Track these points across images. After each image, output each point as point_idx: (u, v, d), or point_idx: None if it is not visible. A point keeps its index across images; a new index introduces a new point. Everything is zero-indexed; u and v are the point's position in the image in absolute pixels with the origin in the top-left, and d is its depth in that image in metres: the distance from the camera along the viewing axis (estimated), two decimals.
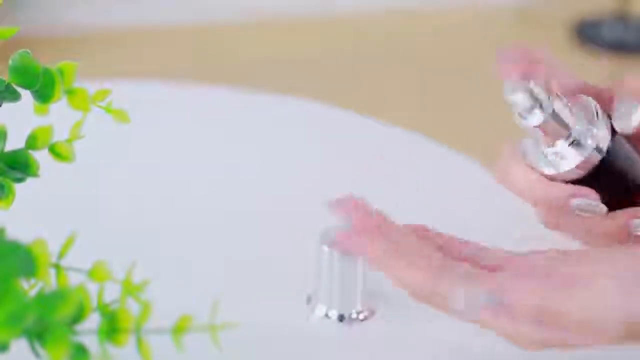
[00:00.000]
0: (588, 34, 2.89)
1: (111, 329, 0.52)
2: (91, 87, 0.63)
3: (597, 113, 0.63)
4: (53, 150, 0.63)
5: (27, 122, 0.63)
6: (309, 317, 0.71)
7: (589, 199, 0.62)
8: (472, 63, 2.76)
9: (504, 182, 0.66)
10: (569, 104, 0.63)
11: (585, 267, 0.58)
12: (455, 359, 0.69)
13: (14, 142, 0.63)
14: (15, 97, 0.61)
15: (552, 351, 0.58)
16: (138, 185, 0.86)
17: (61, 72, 0.61)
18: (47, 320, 0.47)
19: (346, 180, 0.88)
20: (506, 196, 0.77)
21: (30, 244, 0.48)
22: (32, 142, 0.62)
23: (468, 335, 0.67)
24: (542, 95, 0.62)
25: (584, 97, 0.65)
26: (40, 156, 0.63)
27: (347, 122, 0.99)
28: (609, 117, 0.64)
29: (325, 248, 0.69)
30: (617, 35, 2.88)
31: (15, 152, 0.62)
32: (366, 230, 0.59)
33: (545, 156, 0.64)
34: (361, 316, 0.71)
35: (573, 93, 0.65)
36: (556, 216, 0.65)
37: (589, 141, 0.62)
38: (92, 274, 0.57)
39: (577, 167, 0.63)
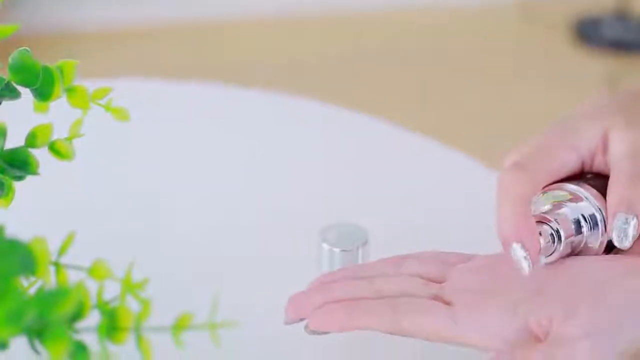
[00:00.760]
0: (588, 32, 2.89)
1: (111, 326, 0.52)
2: (91, 85, 0.63)
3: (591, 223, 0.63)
4: (53, 148, 0.63)
5: (26, 120, 0.63)
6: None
7: (526, 249, 0.60)
8: (473, 61, 2.76)
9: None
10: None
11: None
12: (454, 355, 0.69)
13: (14, 140, 0.63)
14: (14, 95, 0.61)
15: None
16: (138, 183, 0.86)
17: (61, 70, 0.61)
18: (46, 318, 0.47)
19: (346, 179, 0.88)
20: None
21: (30, 242, 0.48)
22: (31, 140, 0.62)
23: None
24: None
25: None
26: (40, 154, 0.63)
27: (347, 120, 0.99)
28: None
29: (325, 246, 0.69)
30: (617, 33, 2.88)
31: (15, 150, 0.62)
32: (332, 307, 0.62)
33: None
34: None
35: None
36: None
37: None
38: (91, 272, 0.57)
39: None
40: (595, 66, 2.74)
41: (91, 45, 2.82)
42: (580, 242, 0.62)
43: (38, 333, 0.49)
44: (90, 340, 0.52)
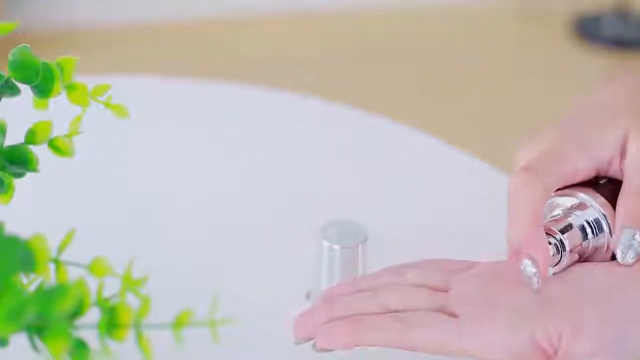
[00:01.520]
0: (588, 30, 2.89)
1: (111, 323, 0.52)
2: (90, 82, 0.62)
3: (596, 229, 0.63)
4: (52, 145, 0.63)
5: (26, 117, 0.63)
6: None
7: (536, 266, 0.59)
8: (473, 58, 2.75)
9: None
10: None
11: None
12: None
13: (14, 137, 0.63)
14: (14, 92, 0.61)
15: None
16: (138, 180, 0.86)
17: (60, 67, 0.61)
18: (46, 315, 0.47)
19: (346, 176, 0.88)
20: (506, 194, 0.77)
21: (30, 239, 0.48)
22: (31, 137, 0.62)
23: None
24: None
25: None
26: (40, 151, 0.63)
27: (347, 118, 0.99)
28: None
29: (325, 243, 0.69)
30: (617, 31, 2.88)
31: (14, 147, 0.62)
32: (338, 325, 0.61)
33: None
34: None
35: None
36: None
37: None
38: (91, 268, 0.57)
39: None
40: (596, 63, 2.74)
41: (91, 44, 2.82)
42: (586, 248, 0.62)
43: (38, 330, 0.49)
44: (90, 337, 0.52)
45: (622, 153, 0.63)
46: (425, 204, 0.83)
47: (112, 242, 0.76)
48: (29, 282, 0.56)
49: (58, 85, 0.60)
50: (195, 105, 1.00)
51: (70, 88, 0.62)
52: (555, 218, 0.62)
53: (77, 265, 0.57)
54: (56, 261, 0.58)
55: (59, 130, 0.63)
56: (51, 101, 0.62)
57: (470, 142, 1.19)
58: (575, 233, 0.62)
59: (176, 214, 0.82)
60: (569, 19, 2.95)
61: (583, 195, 0.63)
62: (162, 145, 0.92)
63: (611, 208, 0.62)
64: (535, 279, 0.59)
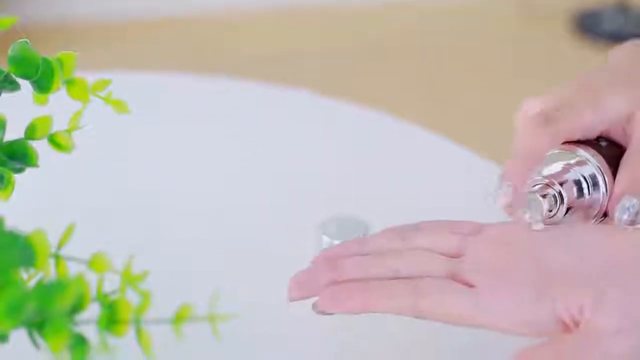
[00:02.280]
0: (588, 25, 2.89)
1: (111, 319, 0.52)
2: (90, 77, 0.62)
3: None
4: (52, 140, 0.63)
5: (26, 112, 0.63)
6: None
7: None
8: (474, 54, 2.75)
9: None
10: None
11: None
12: (451, 346, 0.69)
13: (14, 133, 0.63)
14: (14, 87, 0.61)
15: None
16: (138, 176, 0.86)
17: (60, 62, 0.61)
18: (46, 310, 0.47)
19: (346, 172, 0.88)
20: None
21: (30, 234, 0.48)
22: (31, 132, 0.62)
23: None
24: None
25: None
26: (40, 146, 0.63)
27: (347, 113, 0.99)
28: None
29: (326, 238, 0.69)
30: (617, 26, 2.88)
31: (14, 143, 0.62)
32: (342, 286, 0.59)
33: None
34: None
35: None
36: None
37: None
38: (91, 264, 0.57)
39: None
40: (596, 59, 2.74)
41: (91, 39, 2.81)
42: (581, 203, 0.63)
43: (38, 326, 0.49)
44: (90, 332, 0.52)
45: (628, 118, 0.64)
46: (425, 200, 0.83)
47: (112, 237, 0.76)
48: (29, 278, 0.56)
49: (58, 81, 0.60)
50: (196, 101, 1.00)
51: (70, 83, 0.62)
52: (555, 173, 0.64)
53: (77, 260, 0.57)
54: (56, 256, 0.58)
55: (58, 125, 0.63)
56: (51, 96, 0.62)
57: (471, 139, 1.19)
58: (572, 187, 0.63)
59: (176, 210, 0.82)
60: (570, 14, 2.95)
61: (583, 153, 0.64)
62: (162, 141, 0.92)
63: (609, 169, 0.63)
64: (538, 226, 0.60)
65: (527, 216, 0.61)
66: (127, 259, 0.57)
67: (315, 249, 0.70)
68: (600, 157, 0.64)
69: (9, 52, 0.60)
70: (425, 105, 2.48)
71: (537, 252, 0.59)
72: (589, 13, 2.94)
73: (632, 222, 0.60)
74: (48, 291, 0.47)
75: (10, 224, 0.49)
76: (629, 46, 0.69)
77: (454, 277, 0.59)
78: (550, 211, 0.62)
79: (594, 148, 0.64)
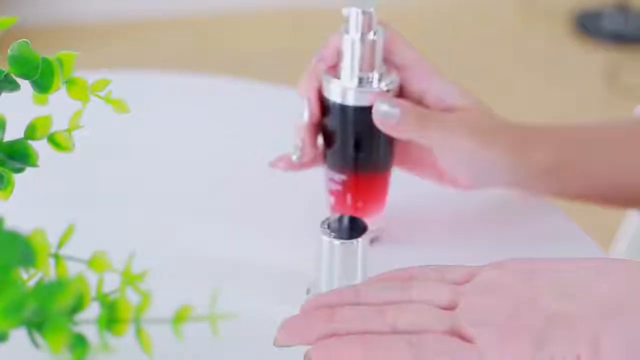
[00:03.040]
0: (588, 25, 2.89)
1: (111, 318, 0.52)
2: (90, 77, 0.62)
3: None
4: (52, 140, 0.63)
5: (26, 112, 0.63)
6: None
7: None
8: (473, 53, 2.75)
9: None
10: None
11: None
12: None
13: (13, 132, 0.63)
14: (14, 87, 0.61)
15: None
16: (138, 175, 0.86)
17: (60, 61, 0.61)
18: (46, 310, 0.47)
19: None
20: (507, 197, 0.78)
21: (30, 234, 0.48)
22: (31, 132, 0.62)
23: None
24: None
25: None
26: (40, 146, 0.63)
27: None
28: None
29: (325, 238, 0.69)
30: (617, 26, 2.88)
31: (14, 142, 0.62)
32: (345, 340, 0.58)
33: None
34: None
35: None
36: None
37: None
38: (91, 264, 0.57)
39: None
40: (596, 58, 2.74)
41: (91, 39, 2.82)
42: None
43: (38, 325, 0.49)
44: (90, 332, 0.52)
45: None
46: (424, 198, 0.83)
47: (111, 237, 0.76)
48: (29, 277, 0.56)
49: (58, 80, 0.60)
50: (196, 100, 1.00)
51: (70, 83, 0.62)
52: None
53: (77, 260, 0.57)
54: (56, 256, 0.58)
55: (58, 125, 0.63)
56: (51, 96, 0.62)
57: None
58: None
59: (176, 209, 0.82)
60: (570, 14, 2.95)
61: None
62: (162, 140, 0.92)
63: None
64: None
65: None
66: (126, 259, 0.57)
67: (315, 249, 0.70)
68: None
69: (9, 52, 0.60)
70: None
71: (531, 298, 0.58)
72: (589, 13, 2.95)
73: None
74: (48, 291, 0.47)
75: (10, 223, 0.49)
76: None
77: (452, 331, 0.58)
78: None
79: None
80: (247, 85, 1.02)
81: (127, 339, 0.53)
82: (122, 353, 0.54)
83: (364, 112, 0.74)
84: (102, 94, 0.62)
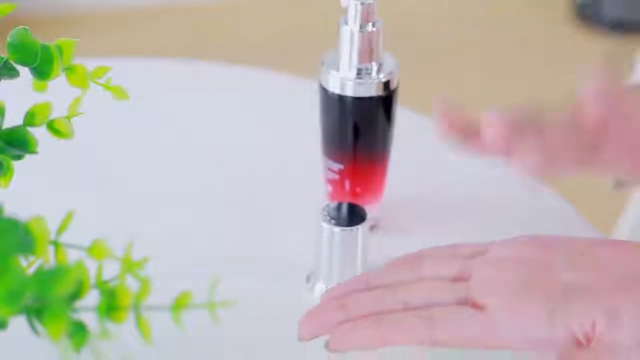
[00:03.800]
0: (589, 13, 2.89)
1: (110, 306, 0.52)
2: (90, 64, 0.62)
3: None
4: (51, 127, 0.63)
5: (25, 99, 0.63)
6: (308, 295, 0.71)
7: None
8: (473, 41, 2.75)
9: None
10: None
11: None
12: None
13: (13, 119, 0.63)
14: (13, 74, 0.61)
15: None
16: (137, 162, 0.86)
17: (60, 49, 0.61)
18: (45, 297, 0.47)
19: None
20: (505, 183, 0.78)
21: (29, 221, 0.48)
22: (30, 119, 0.62)
23: None
24: None
25: None
26: (39, 133, 0.63)
27: None
28: None
29: (325, 225, 0.69)
30: (618, 14, 2.87)
31: (13, 129, 0.62)
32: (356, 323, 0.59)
33: None
34: None
35: None
36: None
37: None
38: (91, 251, 0.57)
39: None
40: (597, 47, 2.74)
41: (91, 26, 2.81)
42: None
43: (37, 312, 0.49)
44: (89, 319, 0.52)
45: None
46: (424, 185, 0.83)
47: (111, 224, 0.76)
48: (28, 265, 0.56)
49: (57, 68, 0.60)
50: (196, 87, 0.99)
51: (69, 70, 0.62)
52: None
53: (77, 247, 0.57)
54: (55, 243, 0.58)
55: (58, 112, 0.63)
56: (50, 83, 0.62)
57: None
58: None
59: (176, 197, 0.82)
60: (571, 1, 2.95)
61: None
62: (163, 128, 0.92)
63: None
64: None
65: None
66: (126, 246, 0.57)
67: (315, 236, 0.70)
68: None
69: (8, 39, 0.60)
70: (425, 90, 2.47)
71: (547, 270, 0.58)
72: (590, 1, 2.94)
73: None
74: (47, 278, 0.47)
75: (10, 210, 0.49)
76: None
77: (464, 302, 0.58)
78: None
79: None
80: (247, 72, 1.02)
81: (126, 326, 0.53)
82: (122, 340, 0.54)
83: (363, 103, 0.74)
84: (101, 81, 0.61)
